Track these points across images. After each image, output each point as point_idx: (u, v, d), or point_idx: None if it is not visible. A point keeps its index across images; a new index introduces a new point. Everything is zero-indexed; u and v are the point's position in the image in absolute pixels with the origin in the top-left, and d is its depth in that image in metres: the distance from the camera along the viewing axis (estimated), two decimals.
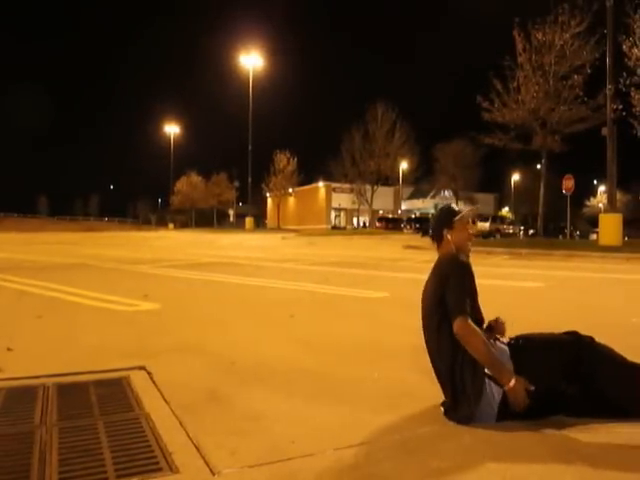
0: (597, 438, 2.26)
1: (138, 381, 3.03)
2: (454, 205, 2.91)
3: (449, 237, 2.70)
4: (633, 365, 2.47)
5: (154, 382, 3.02)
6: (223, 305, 6.12)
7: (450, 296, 2.45)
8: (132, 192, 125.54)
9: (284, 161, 62.99)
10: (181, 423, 2.40)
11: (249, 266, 11.47)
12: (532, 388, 2.33)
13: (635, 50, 18.87)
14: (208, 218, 77.47)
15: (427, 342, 2.63)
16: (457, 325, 2.38)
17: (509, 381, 2.33)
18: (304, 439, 2.24)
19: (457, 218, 2.73)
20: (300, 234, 39.75)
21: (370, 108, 56.28)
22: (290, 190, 68.70)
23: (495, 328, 2.66)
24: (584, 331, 2.58)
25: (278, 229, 56.51)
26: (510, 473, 1.95)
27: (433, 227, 2.78)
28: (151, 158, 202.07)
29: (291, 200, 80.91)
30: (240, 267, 11.13)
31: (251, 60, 48.05)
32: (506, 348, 2.52)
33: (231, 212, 74.98)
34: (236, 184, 73.92)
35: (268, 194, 71.88)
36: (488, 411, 2.39)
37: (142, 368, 3.27)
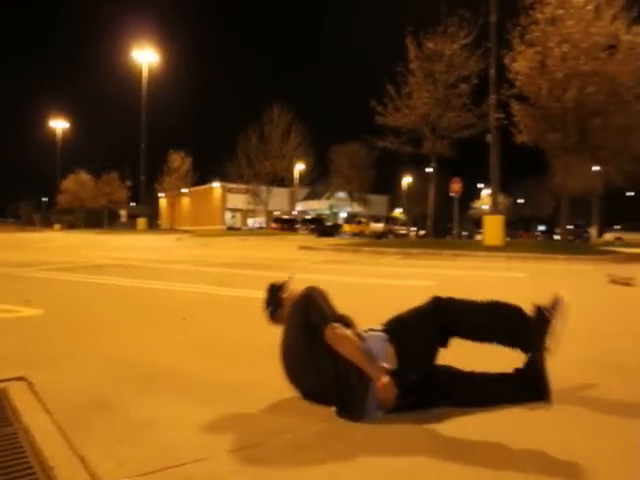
0: (476, 428, 2.39)
1: (17, 393, 2.82)
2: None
3: (286, 295, 2.85)
4: (489, 304, 2.72)
5: (35, 393, 2.83)
6: (113, 309, 5.86)
7: (314, 315, 2.59)
8: (14, 191, 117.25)
9: (178, 160, 61.42)
10: (65, 435, 2.26)
11: (141, 268, 11.09)
12: (396, 391, 2.45)
13: (515, 64, 20.26)
14: (98, 218, 73.94)
15: (297, 375, 2.69)
16: (327, 333, 2.51)
17: (379, 378, 2.44)
18: (197, 444, 2.19)
19: (284, 281, 2.92)
20: (195, 235, 39.02)
21: (266, 109, 56.36)
22: (184, 190, 67.21)
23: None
24: None
25: (172, 230, 55.08)
26: (399, 466, 2.02)
27: (270, 301, 2.89)
28: (36, 155, 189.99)
29: (185, 200, 79.23)
30: (132, 269, 10.74)
31: (145, 56, 46.43)
32: (383, 334, 2.64)
33: (123, 212, 72.08)
34: (128, 183, 71.43)
35: (161, 194, 69.94)
36: (377, 407, 2.47)
37: (21, 379, 3.05)
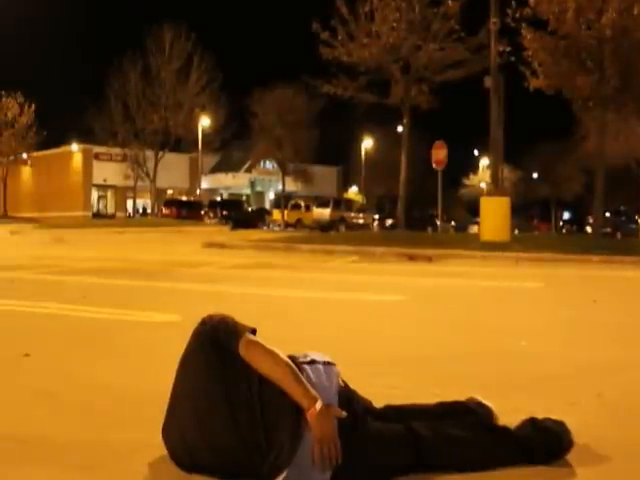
0: None
1: None
2: None
3: None
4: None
5: None
6: None
7: (221, 329, 2.66)
8: None
9: (14, 109, 59.90)
10: None
11: None
12: (344, 414, 2.50)
13: None
14: None
15: (207, 440, 2.63)
16: (241, 346, 2.56)
17: (311, 404, 2.45)
18: None
19: None
20: (43, 225, 38.30)
21: (153, 33, 55.47)
22: (25, 155, 65.62)
23: None
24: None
25: (5, 217, 53.83)
26: None
27: None
28: None
29: (27, 172, 77.30)
30: None
31: None
32: (333, 367, 2.76)
33: None
34: None
35: None
36: (316, 468, 2.43)
37: None
